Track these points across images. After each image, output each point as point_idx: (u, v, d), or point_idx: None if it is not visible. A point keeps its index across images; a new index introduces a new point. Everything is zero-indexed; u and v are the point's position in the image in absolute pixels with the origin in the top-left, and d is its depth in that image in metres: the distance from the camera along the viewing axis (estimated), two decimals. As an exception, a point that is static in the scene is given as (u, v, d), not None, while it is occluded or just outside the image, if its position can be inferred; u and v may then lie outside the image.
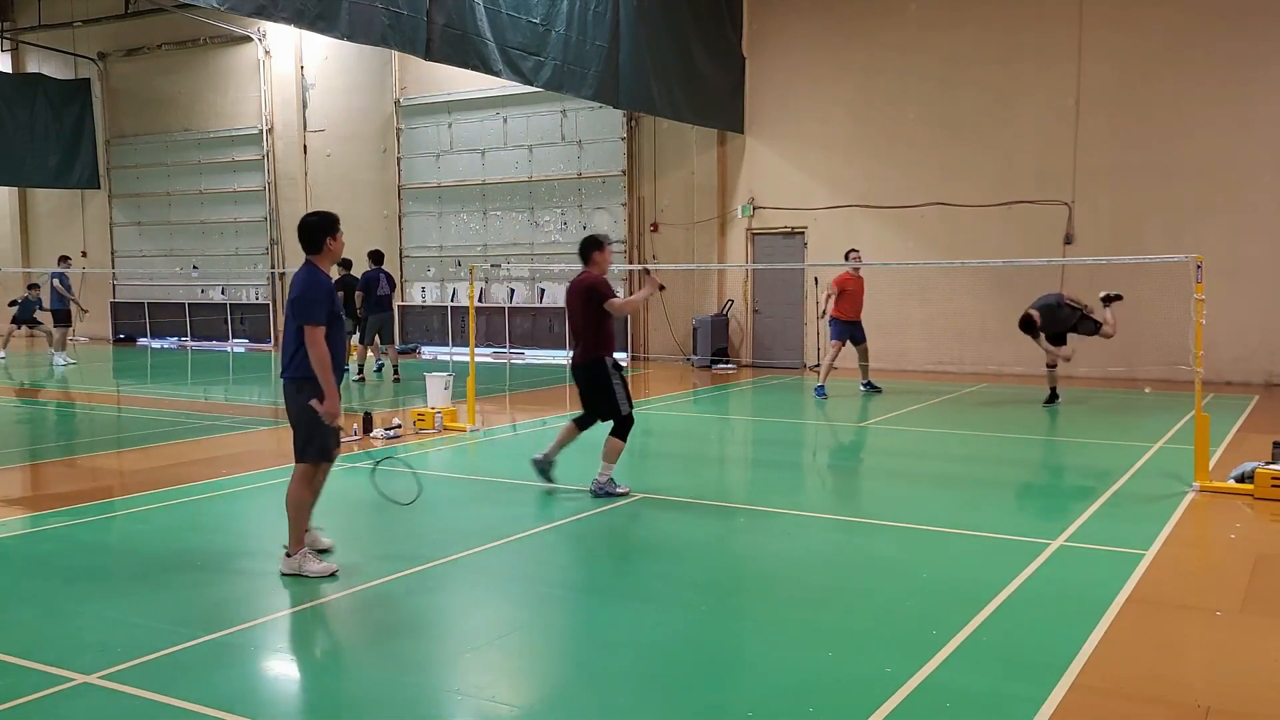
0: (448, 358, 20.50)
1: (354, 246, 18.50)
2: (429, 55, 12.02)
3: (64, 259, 21.13)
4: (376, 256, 16.66)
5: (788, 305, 18.83)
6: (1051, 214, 16.54)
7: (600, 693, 4.42)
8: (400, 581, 5.93)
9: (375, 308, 16.20)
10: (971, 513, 7.69)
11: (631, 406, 7.88)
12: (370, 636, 5.18)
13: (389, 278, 16.53)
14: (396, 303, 22.24)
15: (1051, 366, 13.01)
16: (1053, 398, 13.06)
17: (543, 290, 21.19)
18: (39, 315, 20.56)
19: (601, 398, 7.81)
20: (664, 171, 19.76)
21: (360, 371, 16.25)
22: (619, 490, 7.84)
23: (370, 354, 16.89)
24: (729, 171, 19.25)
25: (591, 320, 7.74)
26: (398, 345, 21.96)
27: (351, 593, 5.76)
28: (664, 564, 6.37)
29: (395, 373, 16.40)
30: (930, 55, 17.23)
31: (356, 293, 16.35)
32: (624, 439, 7.84)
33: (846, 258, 14.12)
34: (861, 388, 14.42)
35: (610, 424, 7.89)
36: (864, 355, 14.33)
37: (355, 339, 16.54)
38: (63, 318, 19.92)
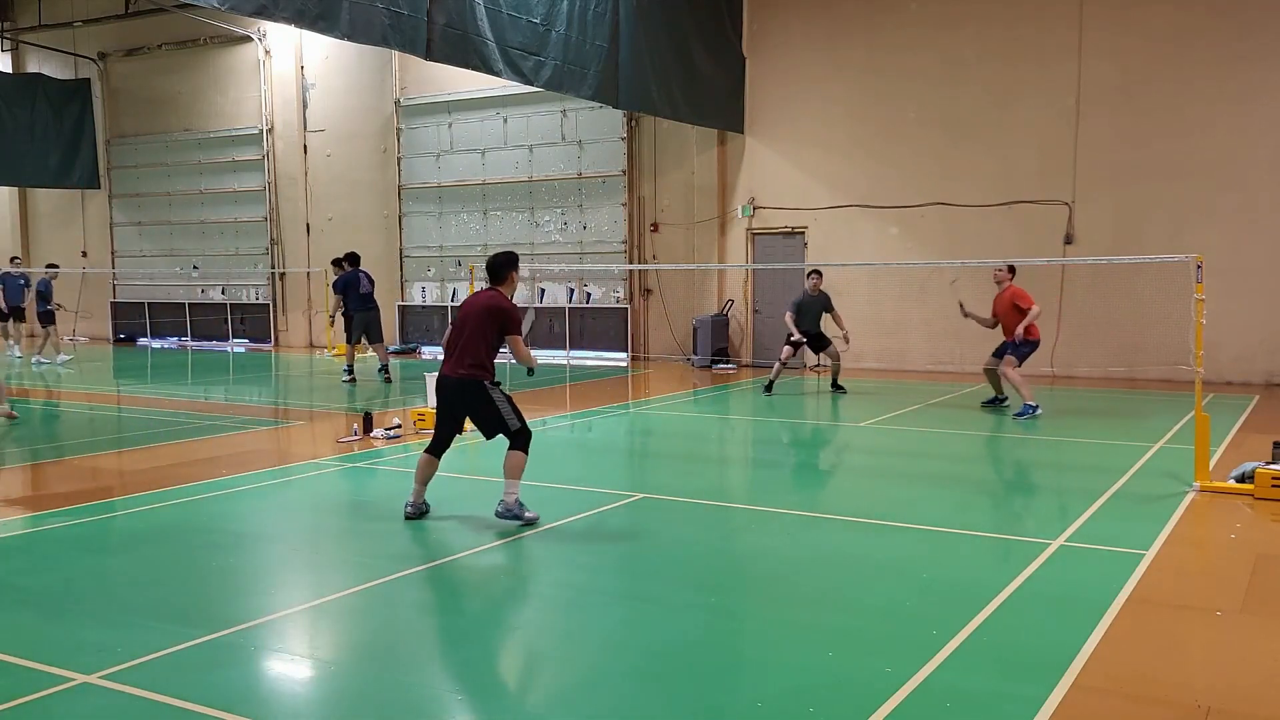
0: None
1: (353, 246, 18.59)
2: (429, 55, 12.02)
3: (14, 260, 20.99)
4: (353, 258, 16.51)
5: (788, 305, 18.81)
6: (1051, 214, 16.54)
7: (600, 693, 4.42)
8: (400, 581, 5.93)
9: (360, 306, 16.12)
10: (971, 513, 7.69)
11: (523, 421, 7.16)
12: (370, 636, 5.18)
13: (368, 276, 16.37)
14: (396, 302, 22.34)
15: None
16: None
17: (543, 290, 21.17)
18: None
19: (484, 416, 7.15)
20: (664, 171, 19.76)
21: (350, 372, 16.14)
22: (527, 516, 7.03)
23: (376, 354, 16.76)
24: (729, 171, 19.25)
25: (485, 341, 7.09)
26: (395, 345, 22.05)
27: (351, 592, 5.76)
28: (664, 564, 6.37)
29: (385, 372, 16.33)
30: (930, 55, 17.23)
31: (337, 296, 16.46)
32: (525, 451, 7.12)
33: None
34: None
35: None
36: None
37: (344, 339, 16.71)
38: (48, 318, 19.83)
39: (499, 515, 7.05)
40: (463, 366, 7.09)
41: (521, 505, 7.08)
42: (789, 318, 14.36)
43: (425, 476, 7.34)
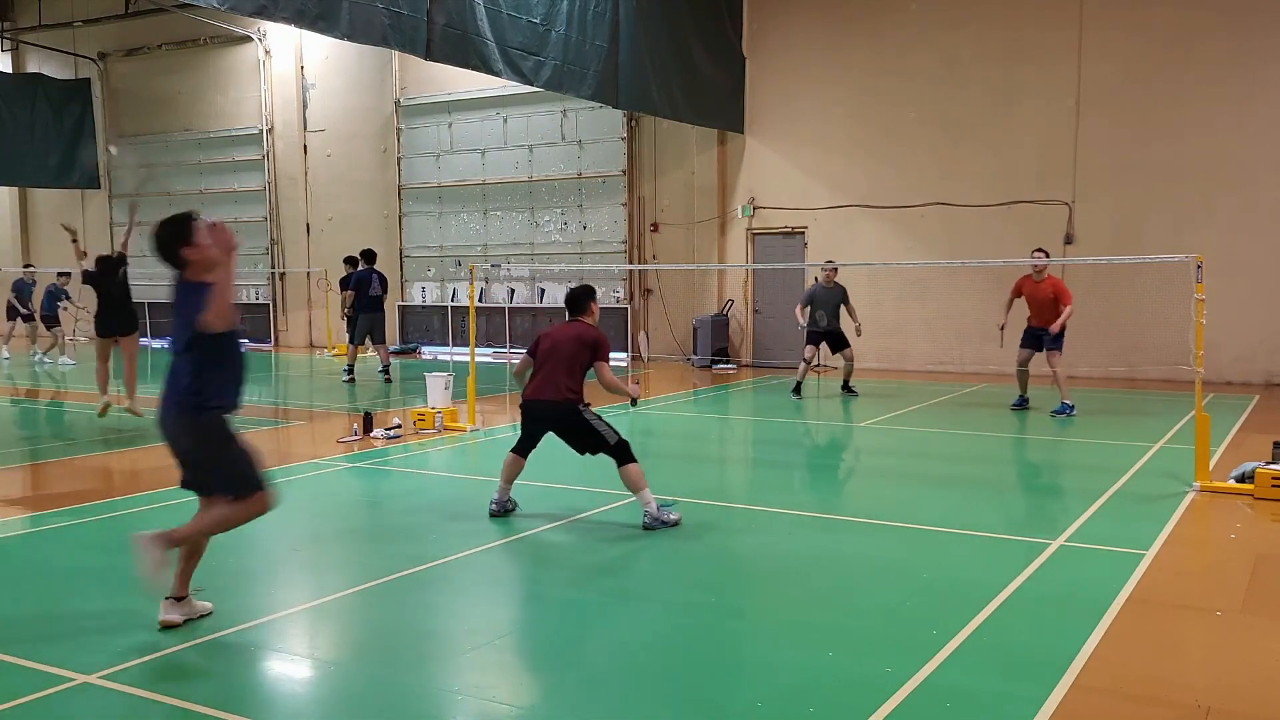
0: (448, 358, 20.49)
1: (353, 246, 18.60)
2: (429, 55, 12.02)
3: (28, 266, 21.23)
4: (369, 256, 16.56)
5: (788, 305, 18.79)
6: (1051, 214, 16.55)
7: (600, 693, 4.42)
8: (400, 581, 5.93)
9: (366, 308, 16.12)
10: (972, 513, 7.69)
11: (619, 433, 7.21)
12: (370, 636, 5.19)
13: (381, 278, 16.40)
14: (396, 302, 22.33)
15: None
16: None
17: (543, 290, 21.18)
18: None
19: (581, 438, 7.28)
20: (664, 171, 19.76)
21: (350, 372, 16.20)
22: (672, 518, 7.09)
23: (377, 355, 16.78)
24: (729, 171, 19.26)
25: (577, 367, 7.27)
26: (395, 345, 22.07)
27: (352, 592, 5.76)
28: (664, 564, 6.37)
29: (386, 372, 16.40)
30: (931, 55, 17.24)
31: (346, 292, 16.56)
32: (634, 460, 7.15)
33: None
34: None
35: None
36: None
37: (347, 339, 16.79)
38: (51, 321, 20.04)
39: (646, 528, 7.04)
40: (555, 391, 7.19)
41: (665, 509, 7.13)
42: (798, 309, 14.15)
43: (511, 475, 7.47)
